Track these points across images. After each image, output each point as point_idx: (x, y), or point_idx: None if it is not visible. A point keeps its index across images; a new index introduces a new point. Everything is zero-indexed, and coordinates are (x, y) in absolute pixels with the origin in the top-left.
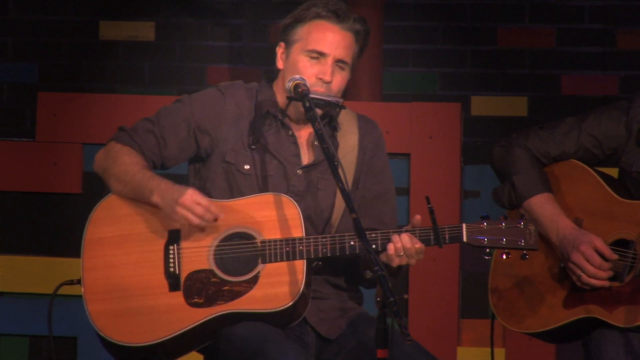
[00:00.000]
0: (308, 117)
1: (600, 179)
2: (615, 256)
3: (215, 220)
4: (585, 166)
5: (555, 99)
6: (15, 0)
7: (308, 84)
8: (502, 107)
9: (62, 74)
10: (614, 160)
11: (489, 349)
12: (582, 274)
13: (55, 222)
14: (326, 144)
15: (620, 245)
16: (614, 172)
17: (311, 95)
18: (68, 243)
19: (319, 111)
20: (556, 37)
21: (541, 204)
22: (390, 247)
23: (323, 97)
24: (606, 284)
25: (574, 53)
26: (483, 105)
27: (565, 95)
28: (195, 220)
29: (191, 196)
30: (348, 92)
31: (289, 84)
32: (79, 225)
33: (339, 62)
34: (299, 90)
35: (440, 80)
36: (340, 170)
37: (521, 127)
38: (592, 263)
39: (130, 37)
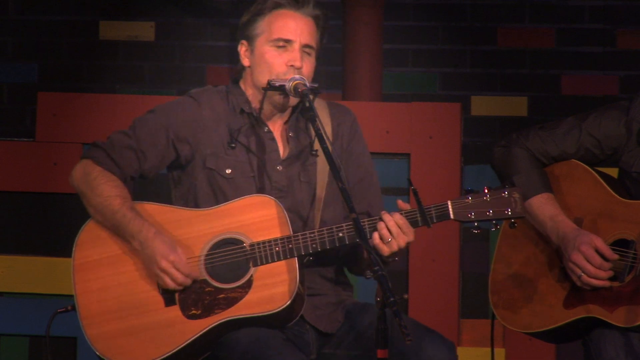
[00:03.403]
0: (308, 117)
1: (600, 179)
2: (616, 256)
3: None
4: (586, 166)
5: (555, 99)
6: (15, 0)
7: (279, 72)
8: (502, 107)
9: (62, 74)
10: (614, 160)
11: (489, 349)
12: (582, 274)
13: (55, 222)
14: (326, 144)
15: (620, 245)
16: (614, 172)
17: (277, 84)
18: (68, 243)
19: (294, 100)
20: (556, 37)
21: (541, 204)
22: (375, 236)
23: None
24: (606, 284)
25: (574, 53)
26: (483, 105)
27: (565, 95)
28: (172, 285)
29: (172, 263)
30: (348, 92)
31: (289, 84)
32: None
33: (305, 47)
34: (299, 90)
35: (440, 80)
36: (340, 169)
37: (521, 127)
38: (593, 263)
39: (130, 37)
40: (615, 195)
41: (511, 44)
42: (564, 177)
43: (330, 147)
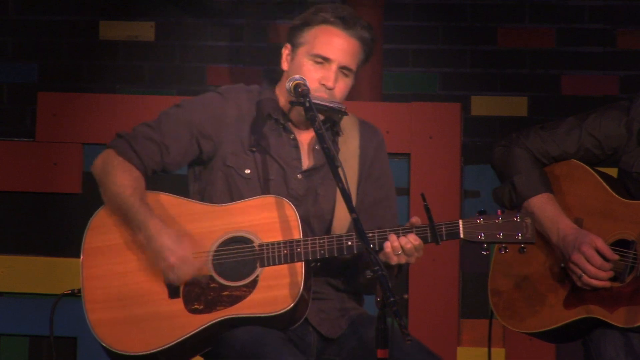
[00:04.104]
0: (308, 117)
1: (600, 179)
2: (616, 256)
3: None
4: (586, 166)
5: (555, 99)
6: (15, 0)
7: (310, 88)
8: (502, 107)
9: (62, 74)
10: (614, 160)
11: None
12: (582, 274)
13: (55, 222)
14: (326, 144)
15: (620, 245)
16: (614, 172)
17: (314, 101)
18: (68, 243)
19: (320, 116)
20: (556, 37)
21: (541, 204)
22: (387, 245)
23: (325, 103)
24: (607, 284)
25: (574, 53)
26: (483, 105)
27: (565, 95)
28: (178, 282)
29: (181, 259)
30: (348, 93)
31: (289, 84)
32: (79, 225)
33: (343, 68)
34: (299, 90)
35: (440, 80)
36: (340, 171)
37: (521, 127)
38: (593, 263)
39: (130, 37)
40: (616, 195)
41: (511, 44)
42: (564, 177)
43: (332, 150)
